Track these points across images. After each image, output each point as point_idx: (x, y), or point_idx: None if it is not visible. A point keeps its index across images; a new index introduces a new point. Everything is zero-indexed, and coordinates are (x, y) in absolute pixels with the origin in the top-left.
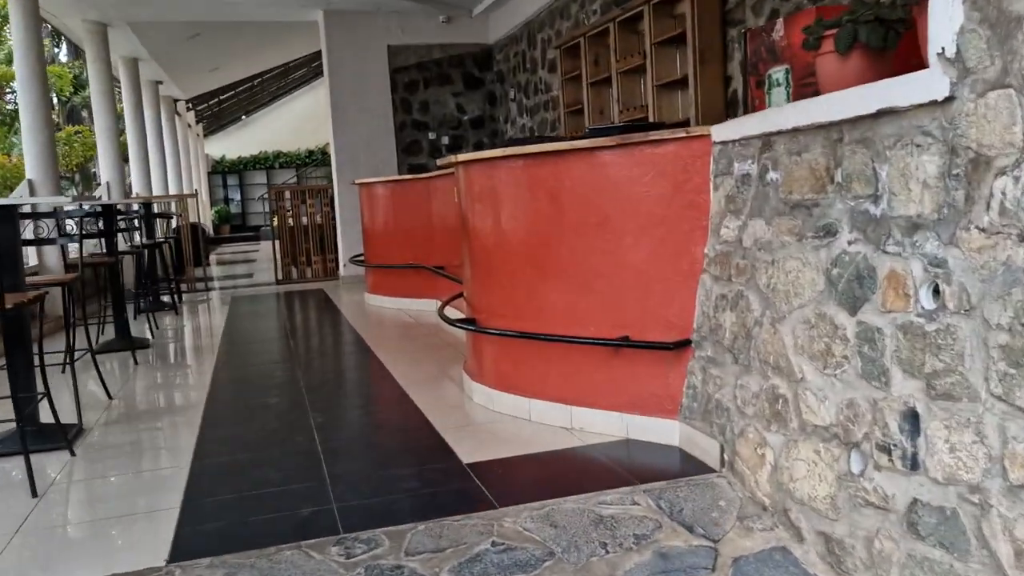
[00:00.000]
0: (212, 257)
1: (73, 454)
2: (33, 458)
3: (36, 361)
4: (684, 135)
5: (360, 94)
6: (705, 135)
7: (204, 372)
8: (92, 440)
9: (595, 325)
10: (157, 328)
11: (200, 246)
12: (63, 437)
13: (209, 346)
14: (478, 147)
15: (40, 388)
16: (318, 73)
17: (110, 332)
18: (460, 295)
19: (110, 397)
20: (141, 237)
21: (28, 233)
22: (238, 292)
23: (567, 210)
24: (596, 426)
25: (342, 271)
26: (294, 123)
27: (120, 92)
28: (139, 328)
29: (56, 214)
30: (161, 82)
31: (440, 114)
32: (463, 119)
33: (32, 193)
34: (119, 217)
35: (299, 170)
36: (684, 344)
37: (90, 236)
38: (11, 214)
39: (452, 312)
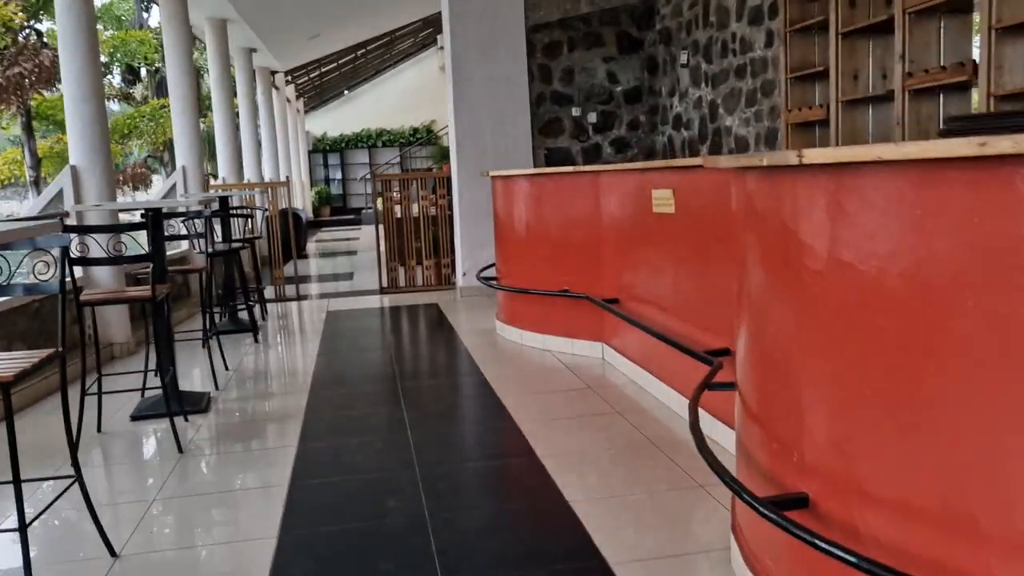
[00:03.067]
0: (311, 245)
1: None
2: None
3: None
4: None
5: (488, 59)
6: None
7: (275, 486)
8: None
9: None
10: (227, 369)
11: (292, 237)
12: None
13: (289, 412)
14: (633, 127)
15: None
16: (424, 45)
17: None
18: (715, 382)
19: (113, 554)
20: (209, 244)
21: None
22: (335, 303)
23: None
24: None
25: (460, 280)
26: (398, 99)
27: (206, 62)
28: (200, 369)
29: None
30: (255, 50)
31: (587, 85)
32: (615, 91)
33: (76, 184)
34: (180, 219)
35: (403, 149)
36: None
37: (123, 260)
38: None
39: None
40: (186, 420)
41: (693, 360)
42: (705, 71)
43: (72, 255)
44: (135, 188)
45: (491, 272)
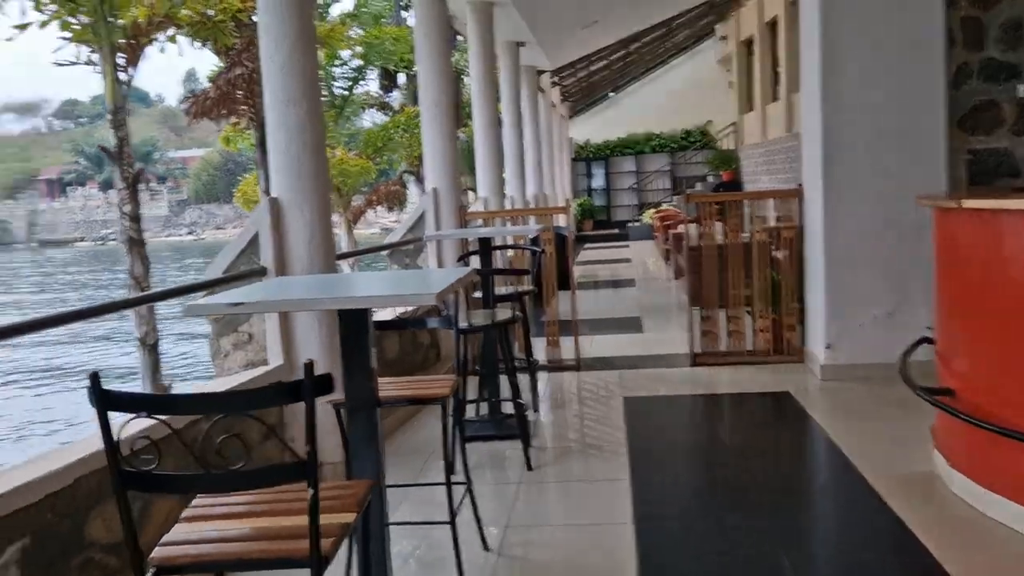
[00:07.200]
0: (574, 269)
1: None
2: None
3: None
4: None
5: (880, 13)
6: None
7: None
8: None
9: None
10: (486, 548)
11: (568, 265)
12: None
13: None
14: None
15: None
16: (700, 37)
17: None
18: None
19: None
20: (466, 316)
21: None
22: (630, 379)
23: None
24: None
25: (822, 355)
26: (668, 100)
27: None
28: (445, 553)
29: None
30: (523, 44)
31: None
32: None
33: (278, 228)
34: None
35: (674, 155)
36: None
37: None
38: None
39: None
40: None
41: None
42: None
43: None
44: (389, 208)
45: (943, 393)
